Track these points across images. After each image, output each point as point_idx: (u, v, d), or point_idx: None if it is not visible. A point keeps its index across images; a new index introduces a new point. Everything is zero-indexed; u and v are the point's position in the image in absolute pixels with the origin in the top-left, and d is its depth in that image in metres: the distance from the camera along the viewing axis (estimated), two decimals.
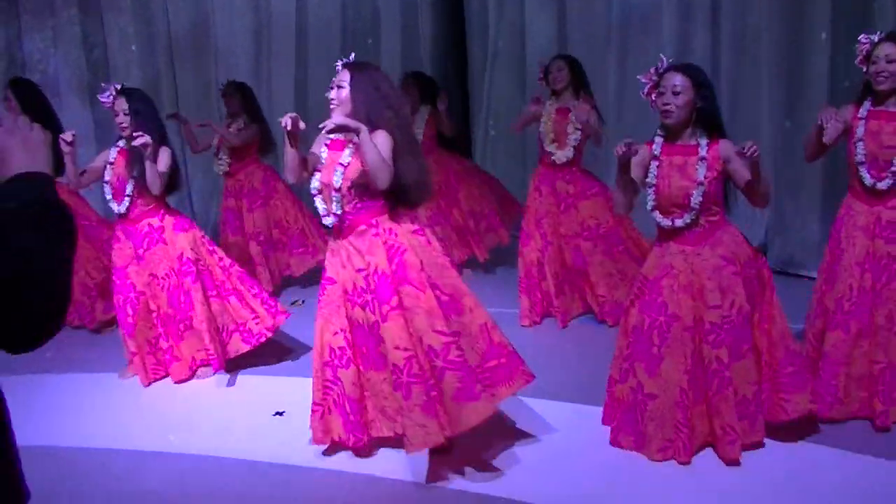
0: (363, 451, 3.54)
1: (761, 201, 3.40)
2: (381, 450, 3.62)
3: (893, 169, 3.58)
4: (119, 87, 4.41)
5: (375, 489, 3.40)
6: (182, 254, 4.37)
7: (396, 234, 3.34)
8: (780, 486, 3.26)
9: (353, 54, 3.46)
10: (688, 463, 3.41)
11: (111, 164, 4.45)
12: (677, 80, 3.32)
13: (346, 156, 3.33)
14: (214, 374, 4.51)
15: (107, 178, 4.43)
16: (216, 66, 7.53)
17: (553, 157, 5.08)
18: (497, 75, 7.67)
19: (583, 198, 5.07)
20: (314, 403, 3.50)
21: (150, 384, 4.51)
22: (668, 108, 3.32)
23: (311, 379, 3.56)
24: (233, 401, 4.35)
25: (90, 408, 4.33)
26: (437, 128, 6.07)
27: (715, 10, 6.34)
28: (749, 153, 3.11)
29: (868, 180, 3.64)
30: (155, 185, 4.24)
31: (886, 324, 3.60)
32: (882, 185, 3.62)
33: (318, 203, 3.41)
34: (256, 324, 4.47)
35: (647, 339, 3.41)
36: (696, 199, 3.31)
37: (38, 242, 1.31)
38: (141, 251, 4.39)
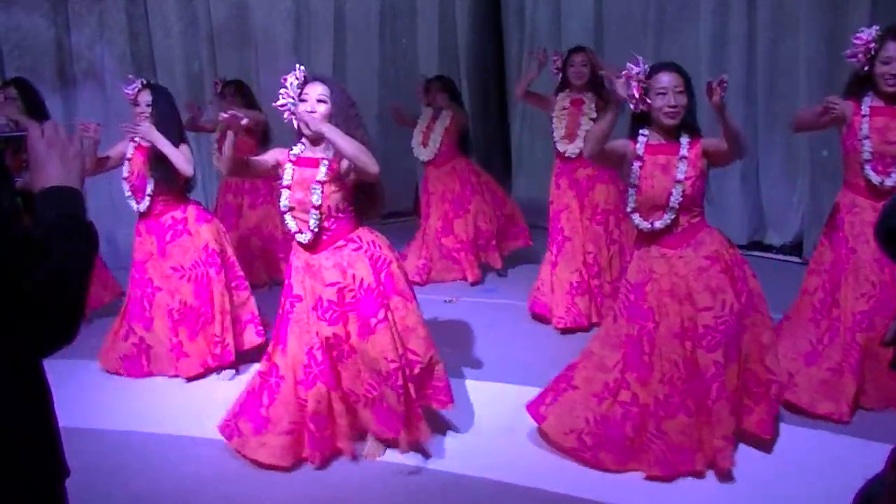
0: (322, 466, 3.50)
1: (739, 152, 3.23)
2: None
3: None
4: (145, 81, 4.46)
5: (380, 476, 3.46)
6: (207, 244, 4.40)
7: (380, 246, 3.40)
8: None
9: (300, 66, 3.40)
10: (664, 477, 3.26)
11: (129, 160, 4.46)
12: (676, 80, 3.19)
13: (321, 173, 3.32)
14: (235, 374, 4.50)
15: (124, 174, 4.45)
16: (256, 56, 7.64)
17: (564, 152, 5.09)
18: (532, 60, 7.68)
19: (599, 181, 5.03)
20: (291, 423, 3.43)
21: (147, 376, 4.53)
22: (675, 109, 3.19)
23: None
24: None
25: (111, 392, 4.43)
26: (457, 133, 6.06)
27: None
28: (717, 89, 2.98)
29: (875, 178, 3.59)
30: (183, 165, 4.24)
31: None
32: (890, 182, 3.57)
33: (290, 220, 3.39)
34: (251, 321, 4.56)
35: (637, 347, 3.29)
36: (675, 197, 3.19)
37: (71, 253, 1.44)
38: (165, 244, 4.40)
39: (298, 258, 3.43)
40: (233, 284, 4.53)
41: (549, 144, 7.68)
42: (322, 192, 3.31)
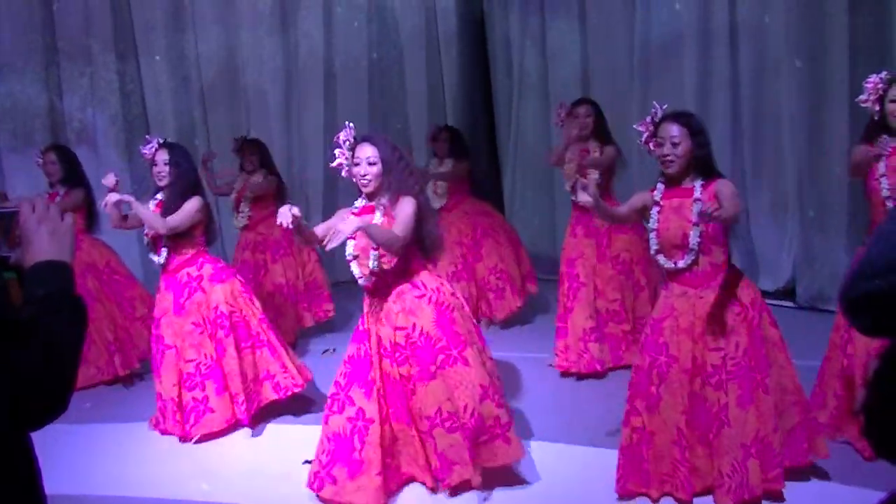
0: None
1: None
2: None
3: None
4: (161, 140, 4.56)
5: None
6: (217, 306, 4.43)
7: (442, 291, 3.57)
8: None
9: (350, 125, 3.61)
10: (688, 501, 3.39)
11: None
12: (675, 130, 3.41)
13: (377, 217, 3.50)
14: (245, 425, 4.52)
15: (146, 230, 4.51)
16: (247, 113, 7.73)
17: (574, 200, 5.11)
18: (523, 105, 7.80)
19: (617, 231, 5.07)
20: (381, 463, 3.54)
21: (161, 431, 4.55)
22: (668, 158, 3.42)
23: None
24: (260, 449, 4.42)
25: (119, 456, 4.39)
26: (467, 178, 6.15)
27: (734, 40, 6.41)
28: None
29: None
30: (157, 224, 4.29)
31: None
32: None
33: (355, 268, 3.58)
34: (285, 377, 4.55)
35: (647, 378, 3.45)
36: (693, 238, 3.36)
37: (60, 328, 1.46)
38: (182, 300, 4.44)
39: (366, 303, 3.63)
40: (248, 344, 4.52)
41: (541, 194, 7.86)
42: None
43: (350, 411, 3.55)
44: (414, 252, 3.57)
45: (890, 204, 3.69)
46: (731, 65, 6.48)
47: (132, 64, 7.37)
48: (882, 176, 3.72)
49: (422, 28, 8.22)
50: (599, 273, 5.06)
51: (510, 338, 6.00)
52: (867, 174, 3.81)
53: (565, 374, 5.04)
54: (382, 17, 8.17)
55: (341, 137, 3.54)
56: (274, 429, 4.60)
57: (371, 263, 3.51)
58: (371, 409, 3.52)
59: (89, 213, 5.46)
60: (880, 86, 3.72)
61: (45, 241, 1.56)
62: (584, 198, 3.44)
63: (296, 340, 5.92)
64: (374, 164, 3.49)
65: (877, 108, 3.74)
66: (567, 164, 5.13)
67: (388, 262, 3.52)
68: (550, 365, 5.17)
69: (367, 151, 3.50)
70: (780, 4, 6.13)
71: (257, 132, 7.60)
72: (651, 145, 3.50)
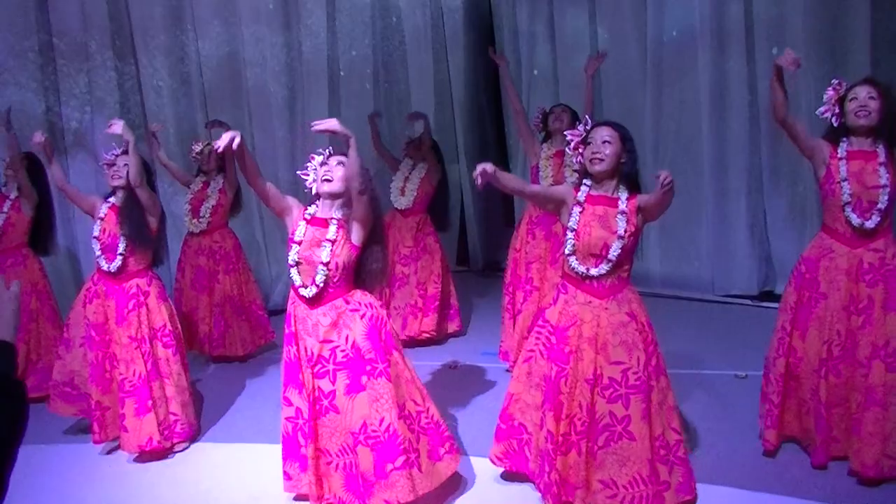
0: None
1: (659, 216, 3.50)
2: None
3: (880, 206, 3.64)
4: (124, 149, 4.40)
5: None
6: (165, 325, 4.38)
7: (375, 307, 3.55)
8: None
9: (330, 149, 3.66)
10: None
11: (101, 219, 4.42)
12: (607, 131, 3.46)
13: (332, 232, 3.50)
14: (190, 444, 4.46)
15: (95, 233, 4.40)
16: (249, 113, 7.53)
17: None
18: (533, 102, 7.60)
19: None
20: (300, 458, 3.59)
21: (101, 443, 4.38)
22: (597, 155, 3.43)
23: (279, 445, 3.68)
24: (209, 466, 4.28)
25: (52, 479, 4.18)
26: (430, 188, 6.06)
27: (749, 44, 6.24)
28: (664, 182, 3.21)
29: (856, 220, 3.67)
30: (136, 172, 4.23)
31: (861, 367, 3.66)
32: (870, 224, 3.66)
33: (295, 274, 3.53)
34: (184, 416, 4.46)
35: (556, 387, 3.44)
36: (614, 251, 3.38)
37: None
38: (125, 311, 4.31)
39: (298, 310, 3.55)
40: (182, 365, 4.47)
41: None
42: (331, 250, 3.47)
43: (289, 411, 3.61)
44: (353, 269, 3.56)
45: (848, 209, 3.68)
46: (748, 62, 6.30)
47: (131, 64, 7.17)
48: (844, 180, 3.68)
49: (428, 25, 8.05)
50: (548, 278, 5.06)
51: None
52: (822, 177, 3.76)
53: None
54: (387, 15, 8.00)
55: (316, 159, 3.62)
56: (217, 448, 4.47)
57: (318, 278, 3.47)
58: (306, 408, 3.51)
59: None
60: (840, 89, 3.72)
61: None
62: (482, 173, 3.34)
63: (245, 355, 5.79)
64: (341, 164, 3.53)
65: (837, 110, 3.72)
66: (543, 163, 5.20)
67: (333, 278, 3.48)
68: (508, 371, 5.15)
69: (336, 159, 3.57)
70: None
71: (260, 132, 7.45)
72: (580, 149, 3.50)
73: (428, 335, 5.92)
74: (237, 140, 3.38)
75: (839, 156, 3.71)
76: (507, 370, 5.13)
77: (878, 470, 3.57)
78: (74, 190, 4.68)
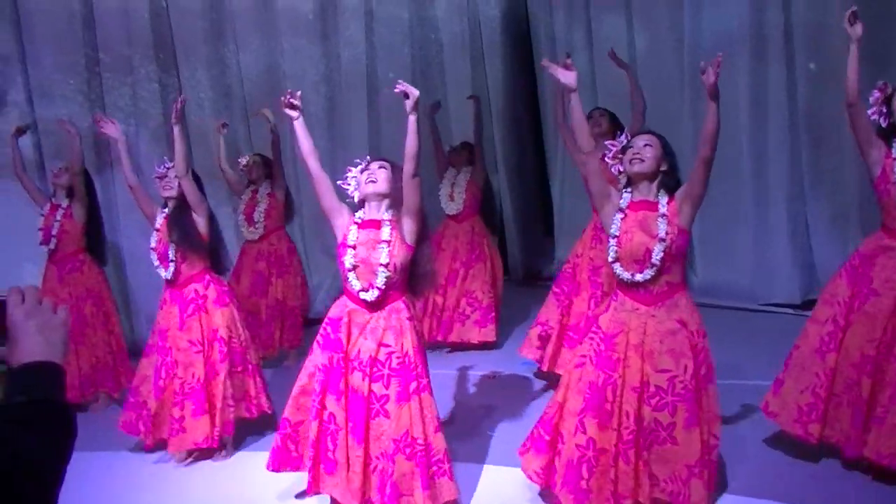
0: None
1: (709, 161, 3.35)
2: None
3: None
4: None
5: None
6: (217, 330, 4.45)
7: (418, 319, 3.60)
8: None
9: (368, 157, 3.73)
10: None
11: (157, 229, 4.54)
12: (646, 136, 3.47)
13: (386, 233, 3.51)
14: (229, 457, 4.54)
15: (153, 244, 4.53)
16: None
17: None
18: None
19: None
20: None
21: (152, 448, 4.51)
22: (638, 155, 3.41)
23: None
24: (236, 475, 4.36)
25: (102, 486, 4.26)
26: (478, 191, 6.14)
27: (789, 49, 6.16)
28: (711, 70, 3.25)
29: None
30: (181, 162, 4.30)
31: None
32: None
33: (353, 279, 3.53)
34: (258, 399, 4.61)
35: (601, 395, 3.39)
36: (657, 255, 3.34)
37: (34, 445, 1.23)
38: (185, 316, 4.44)
39: (355, 314, 3.54)
40: (239, 369, 4.56)
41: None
42: (388, 251, 3.49)
43: (324, 415, 3.59)
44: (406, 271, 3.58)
45: None
46: (787, 68, 6.23)
47: (173, 76, 7.31)
48: None
49: (465, 34, 8.08)
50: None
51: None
52: (877, 178, 3.71)
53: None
54: (425, 25, 8.04)
55: (356, 168, 3.65)
56: (248, 455, 4.53)
57: (379, 281, 3.47)
58: (341, 417, 3.53)
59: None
60: (886, 90, 3.70)
61: (34, 338, 1.34)
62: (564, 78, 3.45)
63: (265, 356, 5.82)
64: (384, 168, 3.56)
65: (884, 109, 3.69)
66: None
67: (393, 279, 3.49)
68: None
69: (380, 164, 3.60)
70: (838, 4, 5.86)
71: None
72: (619, 157, 3.50)
73: (485, 342, 5.96)
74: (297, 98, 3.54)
75: (893, 156, 3.67)
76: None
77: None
78: (144, 192, 4.69)
